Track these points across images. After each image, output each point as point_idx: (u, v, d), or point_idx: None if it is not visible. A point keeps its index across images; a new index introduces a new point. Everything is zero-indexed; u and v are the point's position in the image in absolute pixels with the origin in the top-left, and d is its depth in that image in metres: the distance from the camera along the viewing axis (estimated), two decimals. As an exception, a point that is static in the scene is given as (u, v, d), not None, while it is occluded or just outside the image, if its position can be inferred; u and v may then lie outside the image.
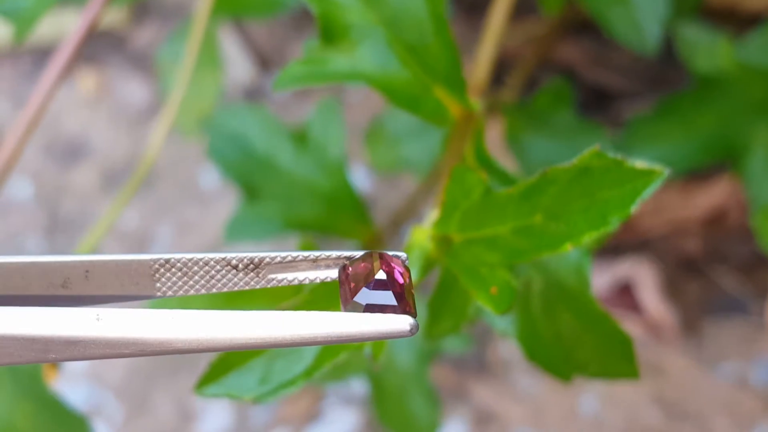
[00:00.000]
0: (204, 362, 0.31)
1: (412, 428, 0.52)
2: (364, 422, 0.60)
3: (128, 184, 0.52)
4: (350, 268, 0.24)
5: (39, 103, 0.42)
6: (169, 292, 0.25)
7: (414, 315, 0.24)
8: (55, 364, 0.42)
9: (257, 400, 0.31)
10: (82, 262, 0.24)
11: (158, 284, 0.25)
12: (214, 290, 0.25)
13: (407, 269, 0.24)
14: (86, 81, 0.71)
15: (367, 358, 0.32)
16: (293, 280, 0.25)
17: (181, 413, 0.61)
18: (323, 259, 0.25)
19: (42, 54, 0.71)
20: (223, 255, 0.24)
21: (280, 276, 0.25)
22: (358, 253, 0.25)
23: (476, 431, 0.59)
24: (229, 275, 0.25)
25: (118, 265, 0.24)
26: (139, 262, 0.24)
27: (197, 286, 0.25)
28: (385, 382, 0.51)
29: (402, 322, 0.23)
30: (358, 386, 0.60)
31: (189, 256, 0.24)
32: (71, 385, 0.61)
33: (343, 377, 0.53)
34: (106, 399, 0.61)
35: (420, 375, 0.51)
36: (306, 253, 0.25)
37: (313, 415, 0.60)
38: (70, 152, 0.69)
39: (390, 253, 0.24)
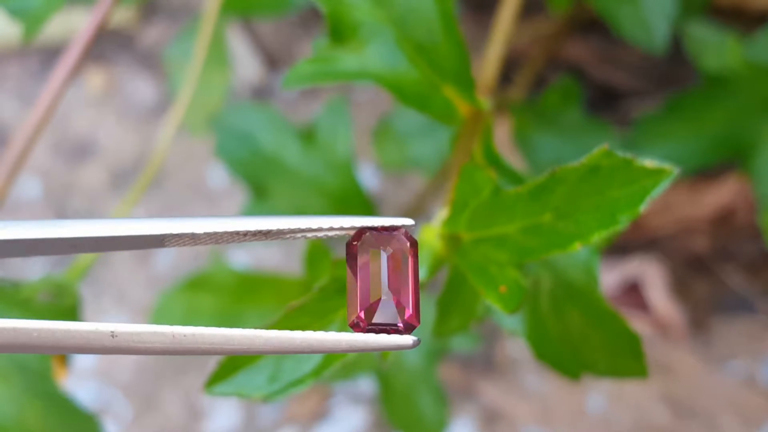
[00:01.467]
0: (213, 361, 0.31)
1: (420, 427, 0.52)
2: (371, 421, 0.60)
3: (137, 183, 0.52)
4: (358, 255, 0.25)
5: (48, 102, 0.42)
6: (177, 247, 0.25)
7: (417, 320, 0.25)
8: (64, 363, 0.42)
9: (266, 398, 0.31)
10: (89, 238, 0.24)
11: (167, 243, 0.25)
12: (222, 245, 0.25)
13: (414, 245, 0.25)
14: (95, 80, 0.71)
15: (375, 357, 0.32)
16: (301, 237, 0.25)
17: (189, 411, 0.61)
18: (332, 229, 0.25)
19: (50, 53, 0.71)
20: (233, 228, 0.25)
21: (288, 234, 0.25)
22: (362, 221, 0.25)
23: (484, 430, 0.59)
24: (238, 236, 0.25)
25: (127, 238, 0.25)
26: (148, 237, 0.25)
27: (205, 243, 0.26)
28: (393, 380, 0.52)
29: (405, 339, 0.24)
30: (366, 385, 0.60)
31: (199, 230, 0.24)
32: (80, 384, 0.61)
33: (351, 376, 0.53)
34: (115, 397, 0.61)
35: (428, 373, 0.51)
36: (315, 224, 0.25)
37: (321, 414, 0.60)
38: (79, 151, 0.69)
39: (397, 223, 0.25)
